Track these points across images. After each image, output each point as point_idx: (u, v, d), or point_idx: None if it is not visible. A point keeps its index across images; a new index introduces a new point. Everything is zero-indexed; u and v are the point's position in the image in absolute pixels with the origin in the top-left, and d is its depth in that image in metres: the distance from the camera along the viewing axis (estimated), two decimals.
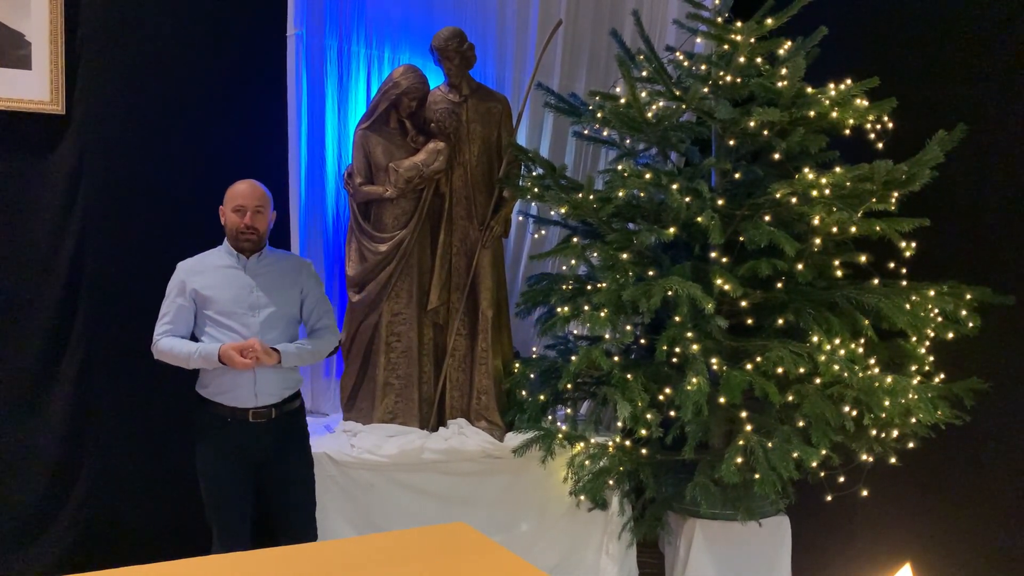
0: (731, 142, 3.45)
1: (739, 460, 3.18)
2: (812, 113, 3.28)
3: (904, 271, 3.43)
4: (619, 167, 3.62)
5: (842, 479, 3.43)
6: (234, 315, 2.96)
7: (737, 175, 3.46)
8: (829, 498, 3.46)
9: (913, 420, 3.23)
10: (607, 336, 3.41)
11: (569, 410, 3.80)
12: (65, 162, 3.44)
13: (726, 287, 3.20)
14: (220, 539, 3.01)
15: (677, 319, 3.22)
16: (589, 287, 3.52)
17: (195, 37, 3.60)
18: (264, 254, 3.07)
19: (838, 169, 3.23)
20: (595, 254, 3.52)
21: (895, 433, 3.32)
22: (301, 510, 3.12)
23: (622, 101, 3.47)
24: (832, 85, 3.36)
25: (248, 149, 3.69)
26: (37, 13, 3.34)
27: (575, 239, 3.71)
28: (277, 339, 3.00)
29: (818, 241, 3.28)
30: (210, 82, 3.64)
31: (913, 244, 3.29)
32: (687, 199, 3.26)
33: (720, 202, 3.34)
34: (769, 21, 3.40)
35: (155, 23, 3.54)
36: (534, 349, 4.09)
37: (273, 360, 2.93)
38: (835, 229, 3.24)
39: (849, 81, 3.37)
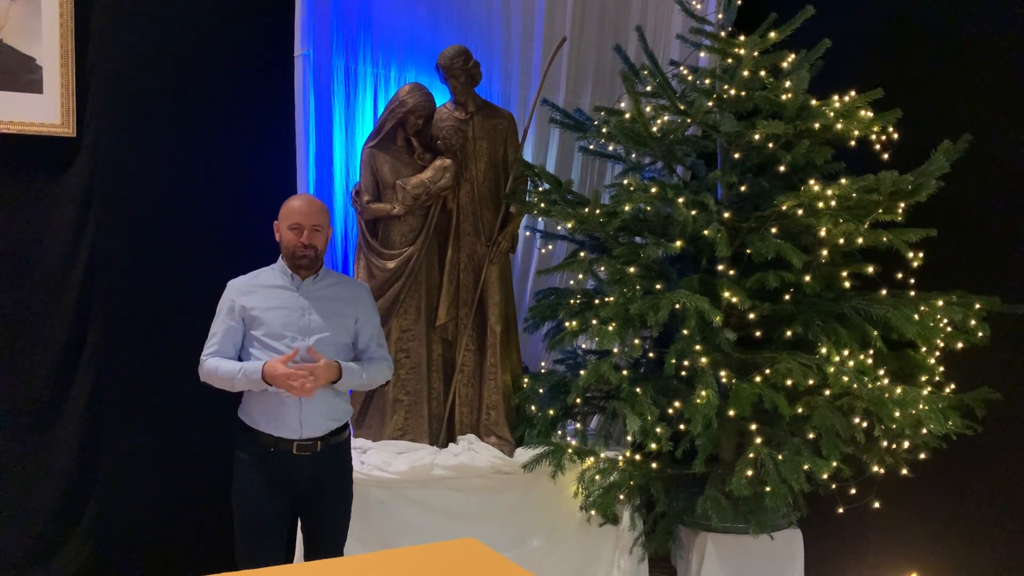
0: (736, 155, 3.46)
1: (749, 473, 3.17)
2: (817, 125, 3.29)
3: (912, 281, 3.42)
4: (625, 181, 3.63)
5: (853, 491, 3.42)
6: (283, 338, 2.78)
7: (743, 188, 3.47)
8: (841, 510, 3.44)
9: (924, 431, 3.21)
10: (616, 350, 3.40)
11: (579, 425, 3.80)
12: (76, 185, 3.47)
13: (734, 300, 3.20)
14: (250, 566, 2.80)
15: (685, 332, 3.22)
16: (597, 301, 3.52)
17: (204, 58, 3.65)
18: (320, 275, 2.90)
19: (844, 180, 3.24)
20: (602, 268, 3.53)
21: (906, 444, 3.31)
22: (330, 549, 2.93)
23: (627, 116, 3.49)
24: (836, 97, 3.37)
25: (257, 168, 3.72)
26: (48, 38, 3.38)
27: (582, 253, 3.72)
28: None
29: (825, 252, 3.28)
30: (219, 103, 3.68)
31: (920, 254, 3.29)
32: (693, 212, 3.27)
33: (726, 215, 3.34)
34: (772, 34, 3.43)
35: (164, 46, 3.58)
36: (543, 364, 4.09)
37: (332, 376, 2.76)
38: (842, 240, 3.25)
39: (853, 93, 3.37)
